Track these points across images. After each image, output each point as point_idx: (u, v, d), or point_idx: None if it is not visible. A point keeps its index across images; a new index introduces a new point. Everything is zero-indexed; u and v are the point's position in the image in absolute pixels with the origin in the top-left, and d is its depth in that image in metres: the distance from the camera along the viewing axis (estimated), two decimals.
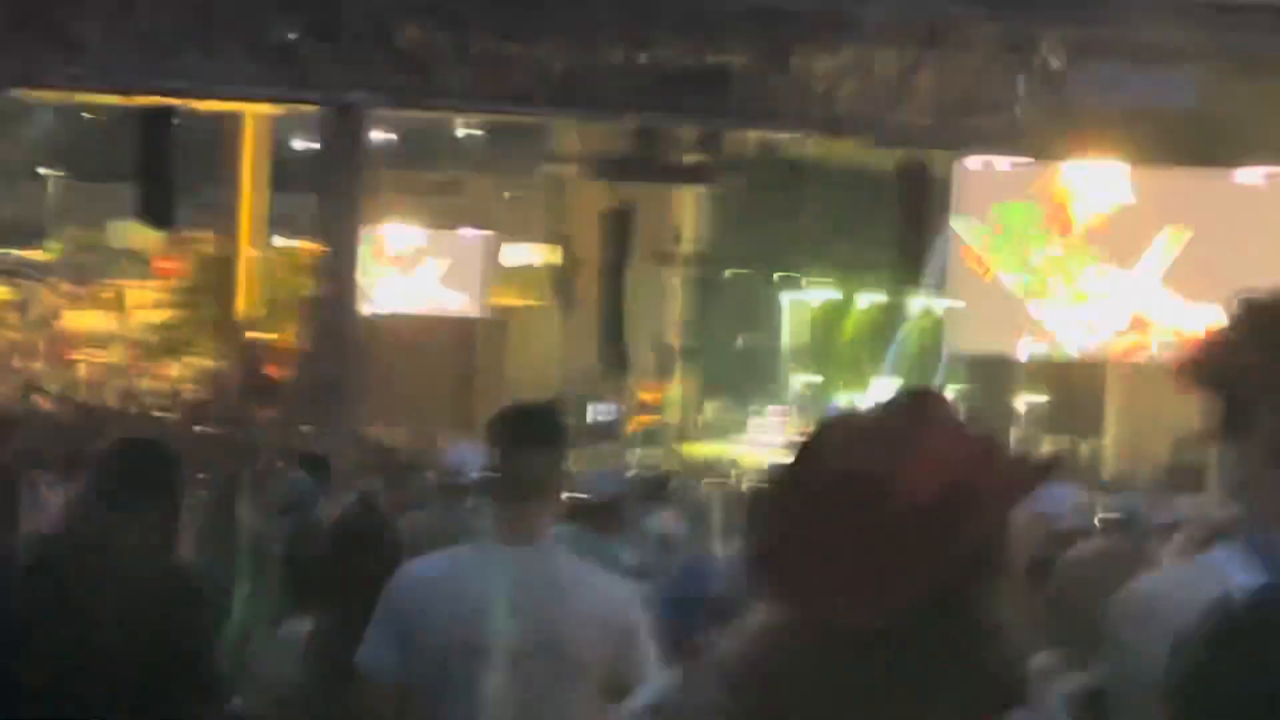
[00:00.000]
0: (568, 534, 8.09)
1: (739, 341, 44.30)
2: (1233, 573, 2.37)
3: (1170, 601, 2.40)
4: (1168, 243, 27.87)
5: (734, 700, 2.58)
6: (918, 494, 2.40)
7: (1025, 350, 29.59)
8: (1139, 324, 28.48)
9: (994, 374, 30.69)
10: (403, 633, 4.86)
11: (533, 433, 4.98)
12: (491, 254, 36.82)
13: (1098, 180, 28.28)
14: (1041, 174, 28.51)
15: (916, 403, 2.54)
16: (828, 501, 2.44)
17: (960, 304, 29.47)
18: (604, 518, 8.41)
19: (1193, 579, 2.43)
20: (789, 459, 2.56)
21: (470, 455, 9.17)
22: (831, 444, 2.51)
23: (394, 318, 34.91)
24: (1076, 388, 38.93)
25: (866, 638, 2.45)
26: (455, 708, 4.77)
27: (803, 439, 2.57)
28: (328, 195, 28.53)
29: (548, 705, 4.76)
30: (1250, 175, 27.86)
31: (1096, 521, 9.23)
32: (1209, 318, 27.35)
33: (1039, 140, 27.69)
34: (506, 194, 38.38)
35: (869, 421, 2.52)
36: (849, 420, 2.54)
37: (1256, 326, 2.64)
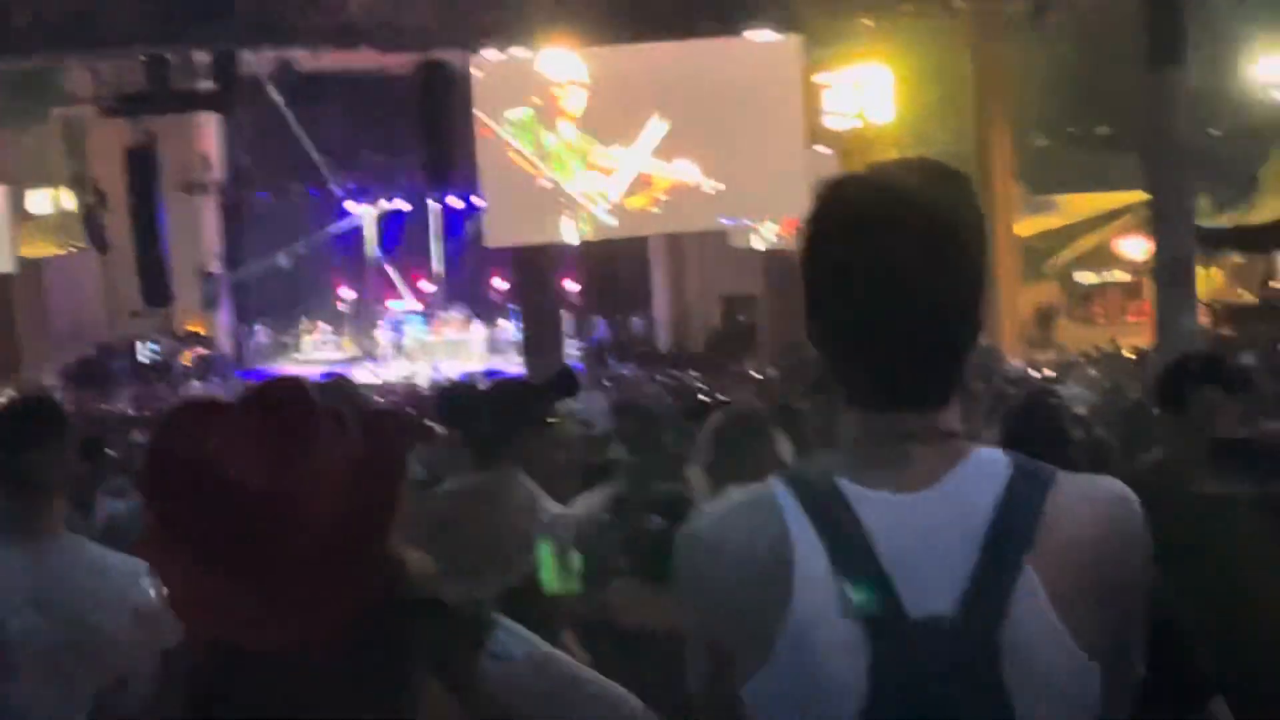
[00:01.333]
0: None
1: (281, 260, 43.71)
2: (790, 520, 2.37)
3: (731, 547, 2.41)
4: (658, 120, 28.46)
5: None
6: (298, 498, 2.34)
7: (568, 235, 29.83)
8: (646, 183, 29.00)
9: (538, 262, 30.87)
10: None
11: (24, 431, 4.82)
12: (13, 205, 35.53)
13: (594, 62, 28.67)
14: (547, 62, 28.74)
15: (279, 395, 2.48)
16: (197, 511, 2.35)
17: (495, 198, 29.54)
18: None
19: (748, 522, 2.42)
20: (148, 460, 2.44)
21: None
22: (193, 444, 2.39)
23: None
24: (621, 265, 39.53)
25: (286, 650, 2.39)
26: None
27: (158, 436, 2.45)
28: None
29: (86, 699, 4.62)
30: (752, 37, 28.47)
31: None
32: (692, 170, 28.30)
33: (545, 29, 27.92)
34: (23, 142, 37.06)
35: (230, 422, 2.42)
36: (208, 420, 2.42)
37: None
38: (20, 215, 35.80)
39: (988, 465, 2.40)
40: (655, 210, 29.07)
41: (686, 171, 28.45)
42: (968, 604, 2.29)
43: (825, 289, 2.44)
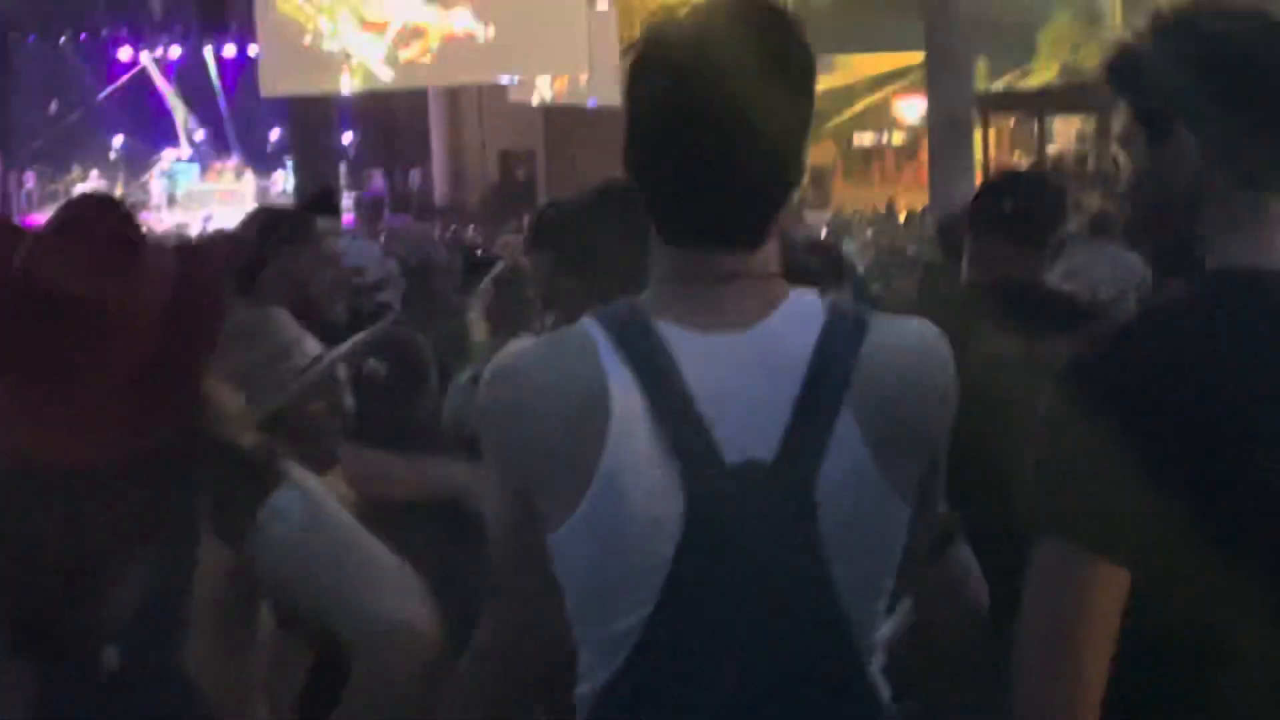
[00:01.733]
0: None
1: (52, 108, 42.80)
2: (605, 359, 2.32)
3: (544, 384, 2.35)
4: None
5: None
6: (113, 311, 2.30)
7: (342, 86, 29.48)
8: (419, 33, 28.63)
9: (314, 114, 30.40)
10: None
11: None
12: None
13: None
14: None
15: (89, 210, 2.43)
16: (6, 324, 2.32)
17: (269, 48, 29.05)
18: None
19: (561, 359, 2.37)
20: None
21: None
22: (3, 257, 2.35)
23: None
24: (399, 118, 39.17)
25: (79, 474, 2.37)
26: None
27: None
28: None
29: None
30: None
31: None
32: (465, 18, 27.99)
33: None
34: None
35: (45, 237, 2.39)
36: (18, 235, 2.38)
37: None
38: None
39: (804, 308, 2.38)
40: (427, 61, 28.70)
41: (460, 20, 28.08)
42: (785, 448, 2.28)
43: (647, 123, 2.38)
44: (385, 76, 29.16)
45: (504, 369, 2.42)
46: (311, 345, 5.70)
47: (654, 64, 2.38)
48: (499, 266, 6.65)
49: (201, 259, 2.44)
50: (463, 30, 28.04)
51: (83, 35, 40.69)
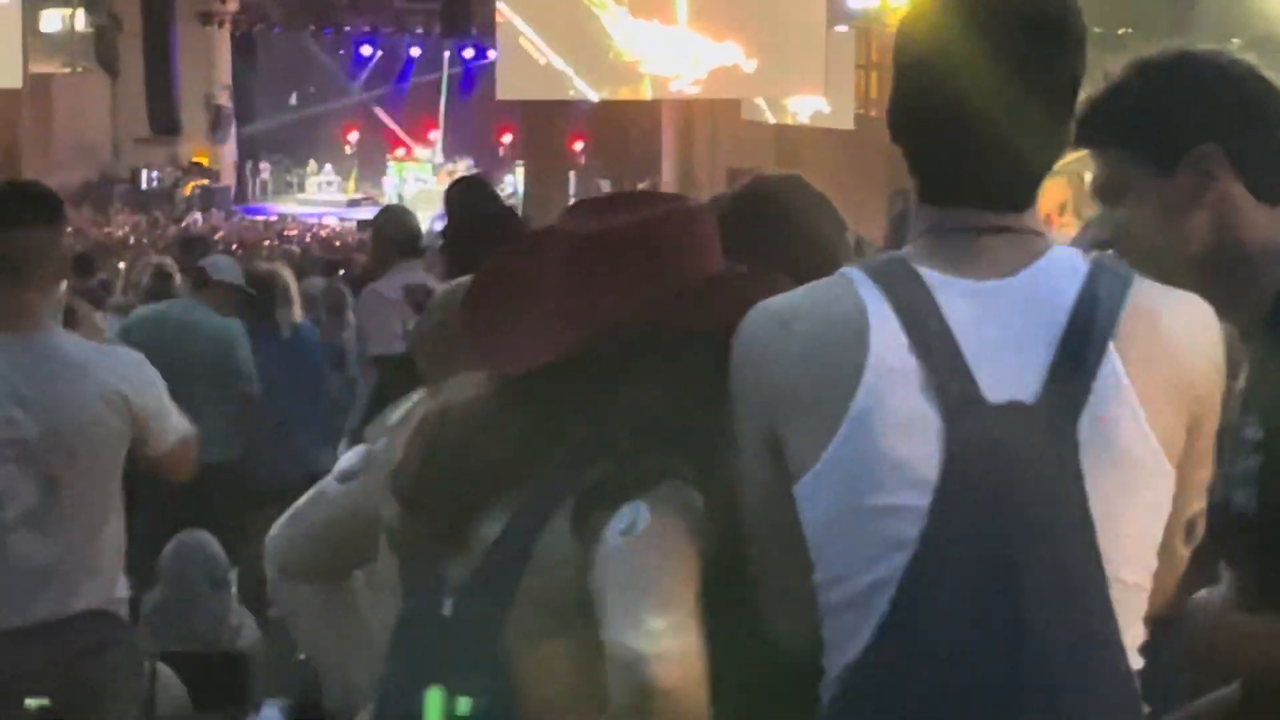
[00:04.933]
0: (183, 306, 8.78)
1: (293, 99, 43.54)
2: (866, 296, 2.29)
3: (804, 320, 2.33)
4: None
5: (416, 453, 2.54)
6: (610, 240, 2.47)
7: (583, 91, 29.65)
8: (682, 67, 28.65)
9: (547, 122, 30.69)
10: None
11: (16, 213, 4.72)
12: (27, 20, 35.24)
13: None
14: None
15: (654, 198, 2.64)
16: (525, 253, 2.57)
17: (507, 55, 29.29)
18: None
19: (821, 297, 2.34)
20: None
21: None
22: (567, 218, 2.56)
23: None
24: (631, 131, 39.39)
25: (550, 385, 2.47)
26: None
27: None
28: None
29: (69, 492, 4.63)
30: None
31: None
32: (733, 53, 27.97)
33: None
34: None
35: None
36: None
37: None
38: (32, 32, 35.50)
39: (1068, 259, 2.34)
40: (697, 91, 28.73)
41: (731, 54, 27.99)
42: (1048, 389, 2.23)
43: (921, 78, 2.36)
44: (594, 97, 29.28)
45: (756, 313, 2.38)
46: None
47: (935, 8, 2.37)
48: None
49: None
50: (732, 62, 27.93)
51: (327, 30, 41.35)
